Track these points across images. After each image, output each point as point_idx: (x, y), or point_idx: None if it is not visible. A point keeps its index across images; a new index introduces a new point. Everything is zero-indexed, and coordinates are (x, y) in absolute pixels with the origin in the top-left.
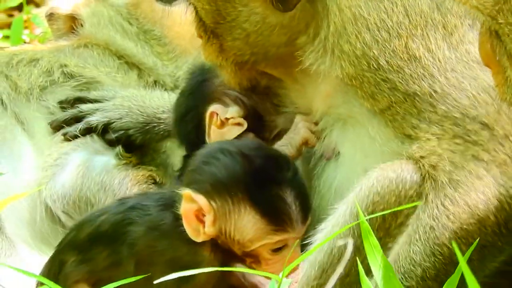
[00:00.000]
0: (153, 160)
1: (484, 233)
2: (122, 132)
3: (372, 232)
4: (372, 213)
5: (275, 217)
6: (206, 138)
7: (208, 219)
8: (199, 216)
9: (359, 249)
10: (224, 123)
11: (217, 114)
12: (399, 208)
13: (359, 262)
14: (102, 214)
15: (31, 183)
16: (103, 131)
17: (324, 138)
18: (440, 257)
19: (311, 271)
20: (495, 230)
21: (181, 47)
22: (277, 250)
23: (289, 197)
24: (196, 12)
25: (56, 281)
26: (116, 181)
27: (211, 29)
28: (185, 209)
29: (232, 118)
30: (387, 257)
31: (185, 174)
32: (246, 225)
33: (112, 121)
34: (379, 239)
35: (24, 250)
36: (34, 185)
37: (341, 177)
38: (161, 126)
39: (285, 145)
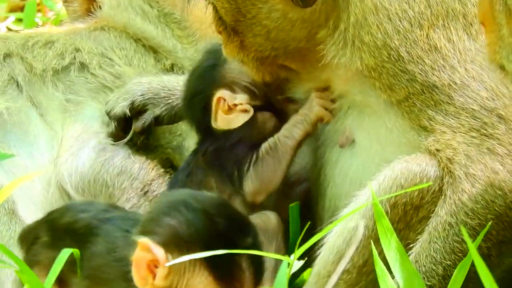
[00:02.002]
0: (170, 143)
1: (502, 229)
2: (149, 113)
3: (386, 217)
4: (394, 205)
5: (227, 282)
6: (212, 122)
7: (162, 272)
8: (151, 267)
9: (378, 238)
10: (231, 109)
11: (225, 100)
12: (408, 190)
13: (374, 250)
14: (85, 211)
15: (46, 166)
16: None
17: (337, 121)
18: (460, 255)
19: (328, 255)
20: None
21: (201, 31)
22: None
23: (244, 263)
24: (216, 11)
25: (27, 250)
26: (137, 166)
27: (231, 26)
28: (138, 257)
29: (240, 104)
30: (406, 250)
31: (142, 220)
32: (197, 285)
33: (135, 98)
34: (399, 231)
35: None
36: (50, 168)
37: (357, 167)
38: None
39: (300, 122)
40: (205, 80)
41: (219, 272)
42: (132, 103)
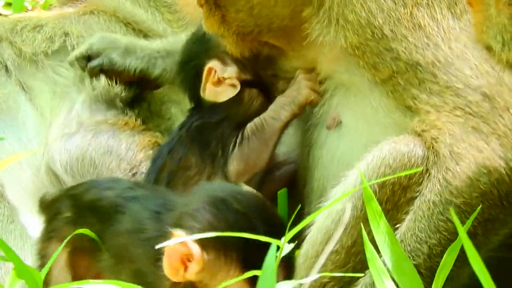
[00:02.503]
0: (159, 126)
1: (487, 207)
2: (106, 54)
3: (375, 198)
4: (382, 186)
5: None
6: (201, 92)
7: (195, 268)
8: (184, 260)
9: (366, 219)
10: (220, 82)
11: (215, 71)
12: (399, 174)
13: (363, 232)
14: (110, 189)
15: (35, 149)
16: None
17: (324, 103)
18: (445, 233)
19: (317, 236)
20: (497, 203)
21: (191, 15)
22: None
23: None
24: None
25: (47, 223)
26: (123, 146)
27: (213, 0)
28: (172, 248)
29: (229, 78)
30: (393, 230)
31: (177, 211)
32: (229, 286)
33: (92, 41)
34: (387, 211)
35: (26, 217)
36: (39, 153)
37: (344, 148)
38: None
39: (288, 104)
40: (200, 48)
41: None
42: (90, 46)
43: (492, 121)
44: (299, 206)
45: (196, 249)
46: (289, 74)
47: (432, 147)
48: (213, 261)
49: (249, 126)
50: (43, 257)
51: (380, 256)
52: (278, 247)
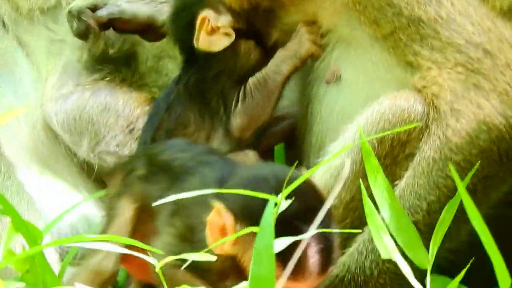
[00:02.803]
0: (156, 81)
1: (487, 164)
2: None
3: (373, 154)
4: (381, 140)
5: (285, 256)
6: (194, 41)
7: (229, 240)
8: (223, 232)
9: (365, 174)
10: (214, 31)
11: (209, 20)
12: (398, 130)
13: (362, 186)
14: (185, 151)
15: (32, 105)
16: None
17: (325, 57)
18: (445, 190)
19: None
20: (496, 160)
21: None
22: None
23: (312, 250)
24: None
25: (123, 179)
26: (120, 102)
27: None
28: (212, 220)
29: (223, 27)
30: (392, 186)
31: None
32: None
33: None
34: (386, 166)
35: (23, 173)
36: (36, 109)
37: (343, 102)
38: None
39: (290, 57)
40: None
41: (284, 255)
42: None
43: (493, 78)
44: (296, 163)
45: (229, 220)
46: (288, 27)
47: (433, 104)
48: (246, 235)
49: (251, 81)
50: (110, 210)
51: (379, 212)
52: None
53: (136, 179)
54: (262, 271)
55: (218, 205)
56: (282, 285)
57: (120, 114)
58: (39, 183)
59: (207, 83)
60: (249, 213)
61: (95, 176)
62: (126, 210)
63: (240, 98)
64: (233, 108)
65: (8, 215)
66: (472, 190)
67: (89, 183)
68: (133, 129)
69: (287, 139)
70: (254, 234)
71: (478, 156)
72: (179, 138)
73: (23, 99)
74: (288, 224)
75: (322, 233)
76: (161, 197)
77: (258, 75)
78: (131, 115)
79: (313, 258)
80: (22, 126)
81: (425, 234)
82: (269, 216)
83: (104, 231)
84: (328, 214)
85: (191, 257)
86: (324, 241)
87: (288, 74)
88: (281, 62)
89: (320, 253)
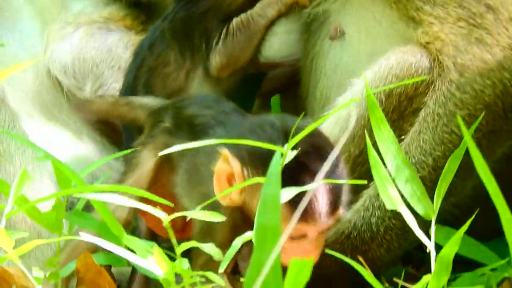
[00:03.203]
0: None
1: (491, 118)
2: None
3: (380, 107)
4: (389, 95)
5: (294, 204)
6: None
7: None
8: (230, 180)
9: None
10: None
11: None
12: (406, 82)
13: (367, 138)
14: (210, 108)
15: (37, 54)
16: None
17: (326, 12)
18: (450, 145)
19: None
20: (501, 115)
21: None
22: (293, 238)
23: (319, 191)
24: None
25: (148, 129)
26: (122, 45)
27: None
28: (219, 168)
29: None
30: (399, 141)
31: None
32: None
33: None
34: (393, 121)
35: (27, 122)
36: (39, 56)
37: (348, 58)
38: None
39: (275, 2)
40: None
41: (290, 200)
42: None
43: (496, 33)
44: (303, 113)
45: (236, 166)
46: None
47: (437, 59)
48: (251, 181)
49: (235, 21)
50: (133, 159)
51: (384, 164)
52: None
53: (160, 131)
54: (268, 221)
55: (224, 152)
56: (289, 232)
57: (122, 57)
58: (43, 132)
59: (193, 20)
60: (256, 159)
61: (99, 123)
62: (148, 161)
63: (222, 36)
64: (213, 46)
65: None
66: (477, 145)
67: (92, 131)
68: None
69: (285, 88)
70: (258, 183)
71: (483, 111)
72: (205, 95)
73: (28, 46)
74: (295, 173)
75: (331, 174)
76: (181, 152)
77: (242, 16)
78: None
79: (321, 200)
80: (26, 75)
81: (431, 190)
82: (276, 166)
83: (122, 180)
84: (337, 163)
85: (199, 215)
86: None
87: (272, 18)
88: (266, 6)
89: (327, 195)
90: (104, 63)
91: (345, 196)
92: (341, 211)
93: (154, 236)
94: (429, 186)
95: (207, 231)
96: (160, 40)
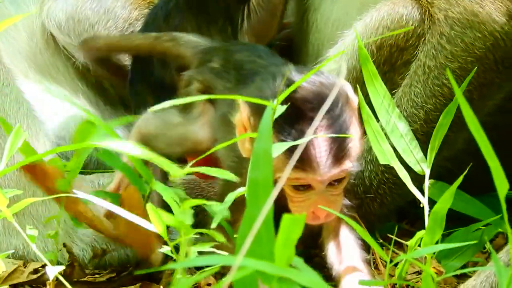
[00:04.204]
0: None
1: (483, 71)
2: None
3: (371, 60)
4: (380, 47)
5: (293, 153)
6: None
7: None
8: (245, 130)
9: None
10: None
11: None
12: (395, 33)
13: (359, 92)
14: (262, 58)
15: (32, 16)
16: None
17: None
18: (441, 98)
19: None
20: (492, 68)
21: None
22: (299, 189)
23: (318, 139)
24: None
25: (197, 66)
26: (119, 4)
27: None
28: (238, 119)
29: None
30: (391, 93)
31: None
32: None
33: None
34: (384, 73)
35: (22, 80)
36: (35, 16)
37: (338, 12)
38: None
39: None
40: None
41: (287, 140)
42: None
43: None
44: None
45: (244, 111)
46: None
47: (428, 12)
48: (257, 126)
49: None
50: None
51: (377, 119)
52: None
53: (208, 71)
54: (260, 176)
55: (240, 101)
56: (286, 178)
57: (118, 15)
58: (38, 90)
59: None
60: (262, 108)
61: (95, 83)
62: (192, 93)
63: (245, 16)
64: (239, 27)
65: None
66: (468, 98)
67: (88, 90)
68: (132, 32)
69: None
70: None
71: (474, 64)
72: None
73: (22, 7)
74: (293, 121)
75: (333, 123)
76: (224, 92)
77: None
78: (129, 17)
79: (318, 149)
80: (20, 32)
81: (423, 143)
82: (267, 121)
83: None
84: (339, 113)
85: (211, 172)
86: (335, 131)
87: None
88: None
89: (326, 144)
90: (100, 24)
91: (352, 148)
92: (347, 163)
93: None
94: (421, 139)
95: (227, 189)
96: (175, 12)
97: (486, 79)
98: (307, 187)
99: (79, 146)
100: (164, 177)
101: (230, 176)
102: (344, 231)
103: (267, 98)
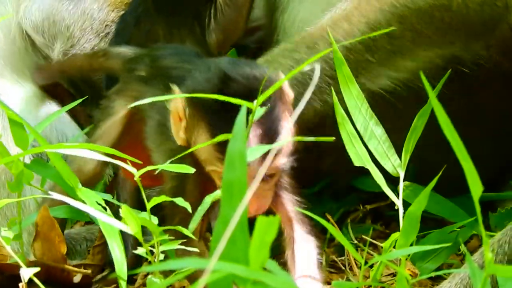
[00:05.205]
0: None
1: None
2: None
3: (345, 63)
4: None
5: (223, 145)
6: None
7: (182, 125)
8: (181, 120)
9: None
10: None
11: None
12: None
13: (333, 94)
14: (189, 62)
15: (8, 13)
16: None
17: None
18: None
19: None
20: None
21: None
22: None
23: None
24: None
25: (122, 76)
26: (96, 6)
27: None
28: (172, 105)
29: None
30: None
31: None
32: (201, 143)
33: None
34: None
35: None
36: (12, 16)
37: (305, 11)
38: None
39: None
40: None
41: (216, 133)
42: None
43: None
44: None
45: (180, 103)
46: None
47: None
48: (191, 117)
49: None
50: (106, 108)
51: (352, 122)
52: (250, 111)
53: (134, 79)
54: (235, 178)
55: (175, 89)
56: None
57: (95, 17)
58: (14, 91)
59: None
60: (197, 99)
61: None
62: (120, 109)
63: (211, 15)
64: (206, 26)
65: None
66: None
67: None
68: (108, 33)
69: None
70: (194, 115)
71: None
72: (187, 46)
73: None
74: (221, 119)
75: (264, 118)
76: (152, 103)
77: None
78: (106, 19)
79: (251, 142)
80: None
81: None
82: (242, 122)
83: (96, 127)
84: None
85: (170, 167)
86: (266, 127)
87: None
88: None
89: (255, 139)
90: (75, 25)
91: (284, 147)
92: (277, 159)
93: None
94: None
95: (177, 189)
96: (145, 17)
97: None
98: None
99: (40, 149)
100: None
101: (186, 168)
102: (299, 232)
103: (203, 89)
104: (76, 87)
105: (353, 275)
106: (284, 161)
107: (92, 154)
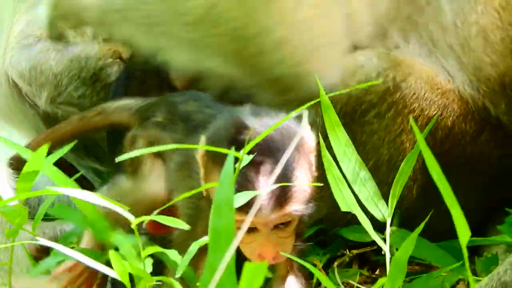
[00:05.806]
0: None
1: None
2: None
3: (333, 108)
4: None
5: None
6: None
7: (201, 171)
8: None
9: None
10: None
11: None
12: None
13: (321, 138)
14: (210, 107)
15: None
16: None
17: None
18: None
19: None
20: None
21: None
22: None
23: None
24: None
25: (139, 124)
26: (83, 54)
27: None
28: (198, 154)
29: None
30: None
31: None
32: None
33: None
34: None
35: None
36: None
37: None
38: None
39: None
40: None
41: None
42: None
43: None
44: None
45: (201, 152)
46: None
47: None
48: (207, 164)
49: None
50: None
51: (339, 166)
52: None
53: (152, 126)
54: (222, 225)
55: (202, 139)
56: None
57: (83, 65)
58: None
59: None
60: (209, 144)
61: None
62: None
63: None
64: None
65: None
66: None
67: None
68: (96, 81)
69: None
70: (209, 163)
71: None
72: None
73: None
74: (246, 177)
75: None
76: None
77: None
78: (95, 65)
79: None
80: None
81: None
82: (230, 170)
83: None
84: (289, 165)
85: (160, 219)
86: (280, 174)
87: None
88: None
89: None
90: (63, 74)
91: (298, 191)
92: (291, 206)
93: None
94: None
95: (187, 233)
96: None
97: None
98: (253, 229)
99: (44, 192)
100: None
101: (182, 225)
102: (291, 281)
103: (221, 142)
104: None
105: None
106: (297, 208)
107: (94, 198)
